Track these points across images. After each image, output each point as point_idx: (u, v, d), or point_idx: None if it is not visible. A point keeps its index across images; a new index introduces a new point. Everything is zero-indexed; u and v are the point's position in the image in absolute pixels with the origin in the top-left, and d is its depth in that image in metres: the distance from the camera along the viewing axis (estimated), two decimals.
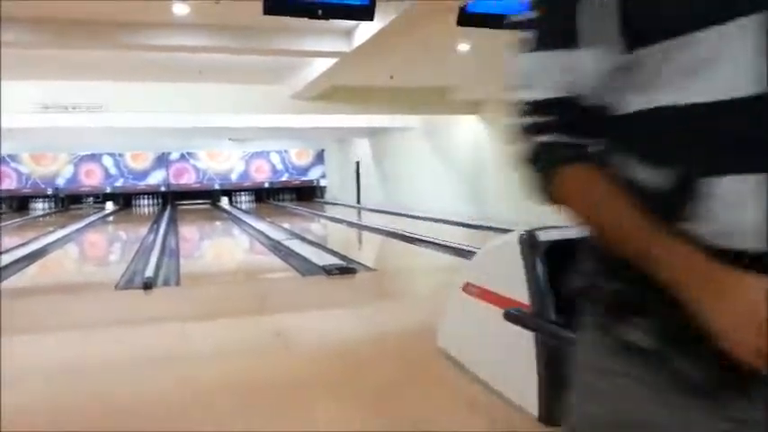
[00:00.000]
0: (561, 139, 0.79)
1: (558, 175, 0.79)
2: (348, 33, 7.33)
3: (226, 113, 12.34)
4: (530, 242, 2.52)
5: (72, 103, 10.22)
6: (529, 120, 0.81)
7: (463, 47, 8.11)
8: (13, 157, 19.78)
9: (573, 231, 2.85)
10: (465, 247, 7.21)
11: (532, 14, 0.82)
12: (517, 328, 2.45)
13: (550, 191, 0.81)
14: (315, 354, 3.42)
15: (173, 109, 11.20)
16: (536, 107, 0.80)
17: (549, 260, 2.49)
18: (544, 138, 0.79)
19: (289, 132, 18.25)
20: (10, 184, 19.98)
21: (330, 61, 8.37)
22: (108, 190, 21.09)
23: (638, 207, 0.74)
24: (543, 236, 2.53)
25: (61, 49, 7.57)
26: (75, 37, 6.88)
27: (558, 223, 2.65)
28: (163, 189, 21.66)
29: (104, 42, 7.05)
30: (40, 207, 20.42)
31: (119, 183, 21.21)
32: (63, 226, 12.30)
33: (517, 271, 2.53)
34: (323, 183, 23.27)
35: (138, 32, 7.01)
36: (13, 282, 5.92)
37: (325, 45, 7.53)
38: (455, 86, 11.63)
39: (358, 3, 5.10)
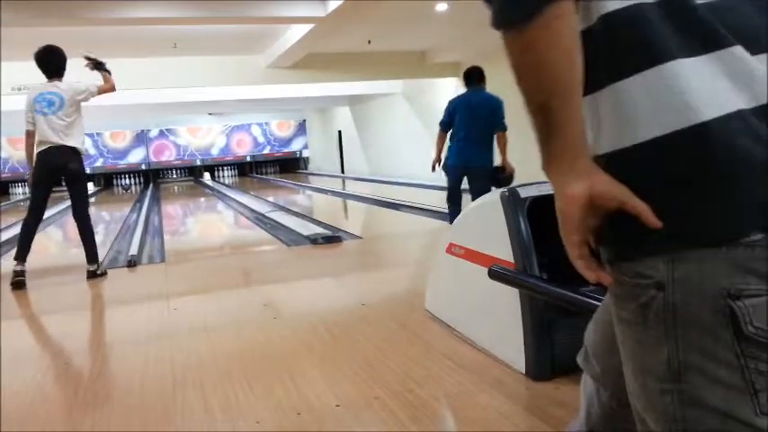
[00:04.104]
0: None
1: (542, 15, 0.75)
2: None
3: (203, 87, 12.14)
4: (511, 199, 2.50)
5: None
6: None
7: (441, 7, 7.99)
8: None
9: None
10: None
11: None
12: (502, 286, 2.45)
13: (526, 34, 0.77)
14: (303, 323, 3.42)
15: (149, 85, 10.99)
16: None
17: (532, 216, 2.48)
18: None
19: (269, 104, 18.04)
20: None
21: (306, 28, 8.23)
22: (88, 171, 20.79)
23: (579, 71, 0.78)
24: (524, 192, 2.51)
25: (31, 27, 7.36)
26: (44, 13, 6.70)
27: (537, 180, 2.64)
28: (144, 167, 21.42)
29: (73, 18, 6.86)
30: (20, 192, 20.14)
31: (98, 163, 20.93)
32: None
33: (500, 228, 2.52)
34: (306, 154, 23.11)
35: (108, 6, 6.82)
36: None
37: (299, 11, 7.39)
38: (434, 48, 11.51)
39: None
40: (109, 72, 5.11)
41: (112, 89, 5.09)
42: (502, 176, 5.18)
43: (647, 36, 0.77)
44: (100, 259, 5.07)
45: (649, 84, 0.76)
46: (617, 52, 0.78)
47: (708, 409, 0.76)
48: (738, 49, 0.75)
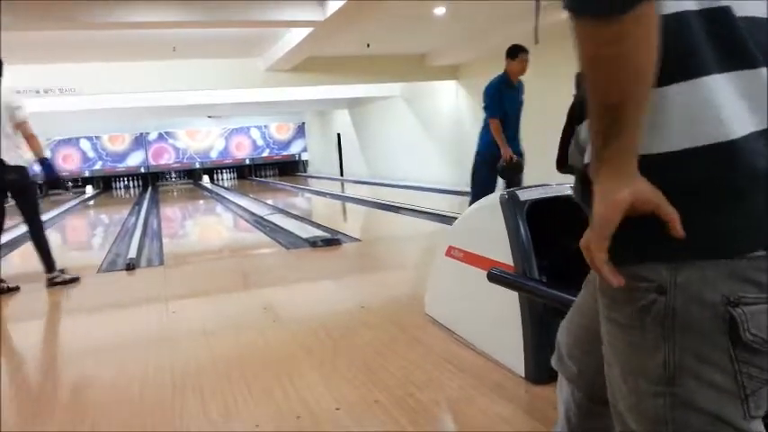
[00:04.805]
0: None
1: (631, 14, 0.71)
2: (321, 1, 7.20)
3: (202, 90, 12.14)
4: (511, 202, 2.50)
5: (44, 87, 9.99)
6: None
7: (439, 10, 8.00)
8: None
9: (553, 190, 2.83)
10: (449, 214, 7.22)
11: None
12: (501, 289, 2.45)
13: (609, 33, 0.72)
14: (303, 326, 3.41)
15: (148, 88, 10.99)
16: None
17: (531, 219, 2.47)
18: None
19: (268, 107, 18.05)
20: None
21: (305, 31, 8.23)
22: (87, 174, 20.79)
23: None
24: (524, 195, 2.51)
25: (28, 31, 7.37)
26: (44, 17, 6.69)
27: (535, 183, 2.64)
28: (142, 170, 21.40)
29: (73, 21, 6.86)
30: None
31: (97, 166, 20.91)
32: (43, 212, 12.08)
33: (499, 231, 2.52)
34: (305, 156, 23.10)
35: (107, 10, 6.82)
36: None
37: (298, 14, 7.39)
38: (433, 51, 11.53)
39: None
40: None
41: (26, 138, 5.24)
42: (501, 167, 4.91)
43: (688, 47, 0.77)
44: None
45: (686, 95, 0.76)
46: (660, 59, 0.76)
47: (699, 411, 0.78)
48: (763, 71, 0.76)
